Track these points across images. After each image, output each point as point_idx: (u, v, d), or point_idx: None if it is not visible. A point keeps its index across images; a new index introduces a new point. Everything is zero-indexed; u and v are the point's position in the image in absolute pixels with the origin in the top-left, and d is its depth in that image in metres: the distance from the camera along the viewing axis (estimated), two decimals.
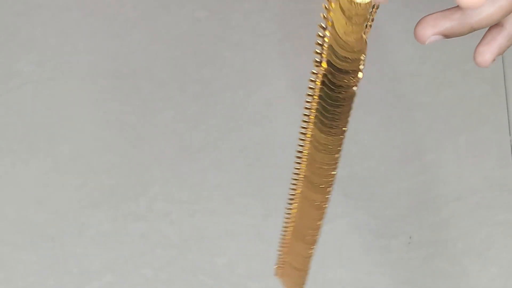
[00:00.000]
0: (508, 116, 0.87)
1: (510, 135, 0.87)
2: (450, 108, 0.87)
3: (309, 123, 0.37)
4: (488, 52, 0.43)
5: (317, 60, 0.33)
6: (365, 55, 0.33)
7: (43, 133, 0.84)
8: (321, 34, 0.33)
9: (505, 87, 0.88)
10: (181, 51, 0.87)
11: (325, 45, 0.33)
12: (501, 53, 0.45)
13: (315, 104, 0.35)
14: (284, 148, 0.85)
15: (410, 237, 0.84)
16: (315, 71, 0.34)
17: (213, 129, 0.85)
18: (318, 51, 0.33)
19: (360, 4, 0.30)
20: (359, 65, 0.33)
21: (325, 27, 0.32)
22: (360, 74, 0.34)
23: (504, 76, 0.88)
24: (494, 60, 0.44)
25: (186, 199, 0.83)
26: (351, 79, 0.34)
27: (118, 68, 0.86)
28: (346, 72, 0.34)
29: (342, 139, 0.38)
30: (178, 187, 0.84)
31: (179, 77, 0.86)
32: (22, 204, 0.82)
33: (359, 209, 0.84)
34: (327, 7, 0.31)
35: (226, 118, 0.86)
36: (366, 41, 0.33)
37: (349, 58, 0.33)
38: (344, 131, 0.37)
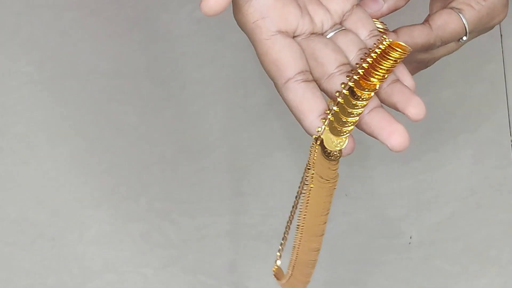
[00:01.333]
0: (508, 116, 0.87)
1: (510, 135, 0.87)
2: (450, 108, 0.87)
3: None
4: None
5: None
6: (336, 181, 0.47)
7: (43, 133, 0.84)
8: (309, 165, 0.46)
9: (506, 87, 0.88)
10: (181, 51, 0.87)
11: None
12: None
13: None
14: (284, 148, 0.85)
15: (410, 237, 0.84)
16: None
17: (213, 129, 0.85)
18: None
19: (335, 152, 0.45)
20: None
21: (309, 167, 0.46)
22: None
23: (505, 76, 0.88)
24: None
25: (186, 199, 0.83)
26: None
27: (118, 68, 0.86)
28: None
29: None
30: (178, 187, 0.84)
31: (179, 77, 0.86)
32: (22, 204, 0.82)
33: (359, 209, 0.84)
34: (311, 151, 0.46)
35: (226, 118, 0.86)
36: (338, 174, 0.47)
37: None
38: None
